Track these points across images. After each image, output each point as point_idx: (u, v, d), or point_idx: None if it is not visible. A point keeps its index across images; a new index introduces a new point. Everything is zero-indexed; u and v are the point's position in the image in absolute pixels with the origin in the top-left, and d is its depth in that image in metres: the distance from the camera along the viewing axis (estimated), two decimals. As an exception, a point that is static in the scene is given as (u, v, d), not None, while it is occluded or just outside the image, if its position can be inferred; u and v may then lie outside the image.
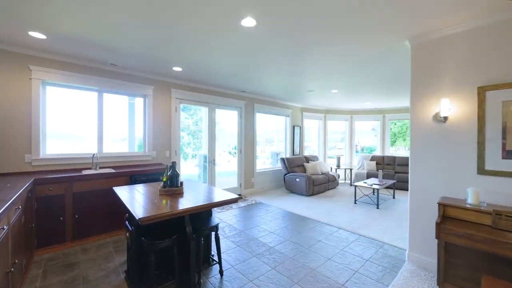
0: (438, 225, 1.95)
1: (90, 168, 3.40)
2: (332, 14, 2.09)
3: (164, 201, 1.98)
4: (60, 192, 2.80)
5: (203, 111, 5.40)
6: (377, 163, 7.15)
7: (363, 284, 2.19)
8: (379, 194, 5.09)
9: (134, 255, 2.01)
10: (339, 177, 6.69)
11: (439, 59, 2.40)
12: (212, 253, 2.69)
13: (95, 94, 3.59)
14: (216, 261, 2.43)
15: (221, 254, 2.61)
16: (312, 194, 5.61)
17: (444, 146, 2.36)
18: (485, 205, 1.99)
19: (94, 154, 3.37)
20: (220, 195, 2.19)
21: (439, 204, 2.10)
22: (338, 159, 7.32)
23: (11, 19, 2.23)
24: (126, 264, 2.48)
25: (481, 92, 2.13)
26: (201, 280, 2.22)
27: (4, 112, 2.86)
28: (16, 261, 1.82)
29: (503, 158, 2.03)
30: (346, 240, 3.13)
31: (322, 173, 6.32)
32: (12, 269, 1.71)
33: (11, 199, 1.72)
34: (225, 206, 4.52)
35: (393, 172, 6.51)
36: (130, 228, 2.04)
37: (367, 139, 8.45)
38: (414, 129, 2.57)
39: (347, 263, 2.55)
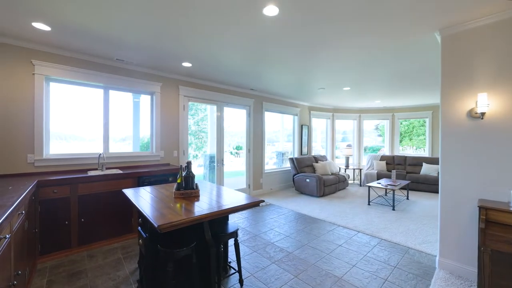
0: (483, 231, 1.78)
1: (96, 169, 3.22)
2: (360, 3, 1.91)
3: (178, 205, 1.81)
4: (65, 194, 2.62)
5: (209, 109, 5.22)
6: (387, 163, 6.98)
7: (396, 295, 2.01)
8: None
9: (149, 264, 1.84)
10: (349, 177, 6.51)
11: (474, 51, 2.22)
12: (229, 259, 2.51)
13: (101, 91, 3.42)
14: (234, 268, 2.26)
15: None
16: (323, 195, 5.43)
17: (481, 144, 2.18)
18: (534, 208, 1.81)
19: (100, 154, 3.19)
20: (239, 198, 2.01)
21: (481, 207, 1.92)
22: (347, 159, 7.15)
23: (13, 9, 2.06)
24: (136, 272, 2.30)
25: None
26: (220, 291, 2.04)
27: (5, 109, 2.68)
28: (19, 272, 1.64)
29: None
30: (368, 245, 2.95)
31: (332, 174, 6.15)
32: (15, 282, 1.54)
33: (14, 204, 1.54)
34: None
35: (404, 172, 6.33)
36: (144, 235, 1.86)
37: (368, 138, 8.24)
38: (444, 126, 2.39)
39: (374, 271, 2.37)
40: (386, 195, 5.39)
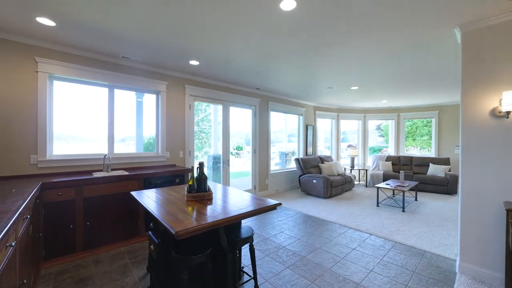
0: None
1: (101, 170, 3.12)
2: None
3: (191, 208, 1.71)
4: (69, 197, 2.52)
5: (212, 109, 5.12)
6: (393, 164, 6.89)
7: (420, 302, 1.92)
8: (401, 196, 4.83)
9: (162, 271, 1.74)
10: (355, 178, 6.42)
11: (497, 47, 2.13)
12: (242, 265, 2.42)
13: (106, 90, 3.31)
14: (247, 274, 2.16)
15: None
16: (330, 196, 5.33)
17: (506, 144, 2.09)
18: None
19: (105, 155, 3.09)
20: (253, 201, 1.92)
21: (509, 210, 1.84)
22: (352, 159, 7.06)
23: (17, 2, 1.96)
24: (146, 278, 2.20)
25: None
26: (235, 298, 1.94)
27: (8, 108, 2.58)
28: (25, 281, 1.54)
29: None
30: (383, 248, 2.86)
31: (339, 174, 6.05)
32: (21, 292, 1.44)
33: (20, 208, 1.44)
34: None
35: (411, 173, 6.24)
36: (156, 240, 1.76)
37: (369, 139, 8.11)
38: (465, 125, 2.30)
39: (393, 276, 2.28)
40: (394, 196, 5.30)
